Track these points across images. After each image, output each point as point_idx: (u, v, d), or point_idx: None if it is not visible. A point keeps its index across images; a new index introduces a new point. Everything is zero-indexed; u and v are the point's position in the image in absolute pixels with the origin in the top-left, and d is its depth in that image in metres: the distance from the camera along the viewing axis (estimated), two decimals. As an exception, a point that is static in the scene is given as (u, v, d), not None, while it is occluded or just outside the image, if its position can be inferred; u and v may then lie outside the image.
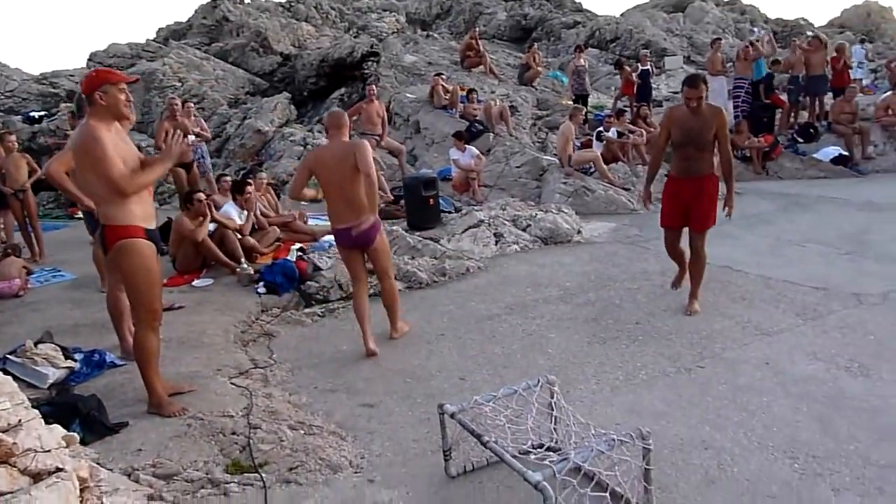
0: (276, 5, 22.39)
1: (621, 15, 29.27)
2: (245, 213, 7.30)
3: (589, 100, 14.66)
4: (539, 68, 16.17)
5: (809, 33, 14.42)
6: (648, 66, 14.53)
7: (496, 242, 7.54)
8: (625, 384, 4.02)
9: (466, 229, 7.67)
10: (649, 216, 8.86)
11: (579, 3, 29.10)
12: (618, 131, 10.74)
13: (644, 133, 10.92)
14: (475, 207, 8.71)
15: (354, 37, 18.47)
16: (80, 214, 7.53)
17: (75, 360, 4.35)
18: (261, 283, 6.23)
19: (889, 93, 12.33)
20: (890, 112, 11.80)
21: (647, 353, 4.46)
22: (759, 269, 6.09)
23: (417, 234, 7.64)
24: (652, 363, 4.28)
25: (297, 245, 7.35)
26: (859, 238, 7.06)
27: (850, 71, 13.69)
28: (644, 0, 32.82)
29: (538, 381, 3.17)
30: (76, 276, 7.04)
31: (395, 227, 7.70)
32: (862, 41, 21.43)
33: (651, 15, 27.82)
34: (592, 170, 10.11)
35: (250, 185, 7.50)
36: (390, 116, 12.85)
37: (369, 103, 10.70)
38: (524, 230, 7.85)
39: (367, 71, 14.75)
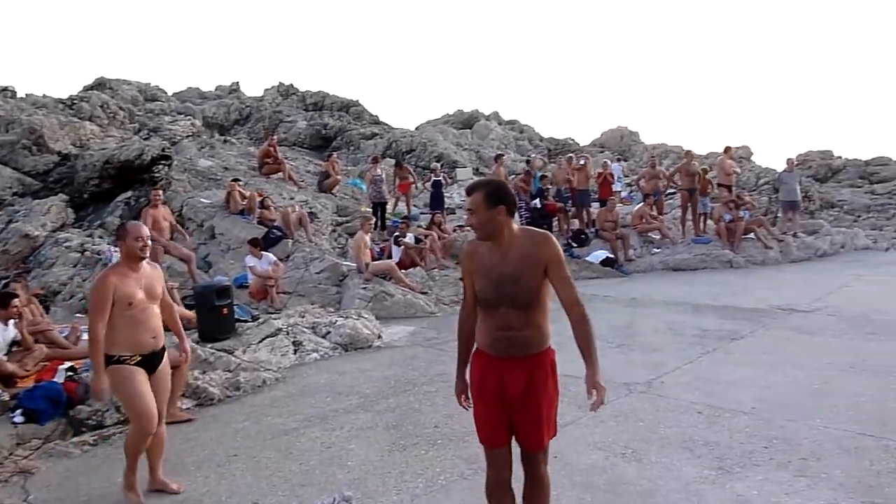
0: (55, 102, 20.85)
1: (416, 129, 31.33)
2: (8, 329, 6.38)
3: (387, 207, 15.22)
4: (338, 176, 16.58)
5: (571, 154, 16.46)
6: (441, 177, 15.55)
7: (295, 351, 7.32)
8: (425, 492, 3.99)
9: (263, 339, 7.38)
10: (446, 317, 9.25)
11: (376, 115, 30.69)
12: (415, 237, 11.22)
13: (437, 237, 11.53)
14: (273, 315, 8.45)
15: (145, 139, 17.65)
16: None
17: None
18: (17, 411, 5.40)
19: (641, 204, 14.34)
20: (643, 220, 13.68)
21: (447, 456, 4.49)
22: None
23: (210, 345, 7.18)
24: (451, 467, 4.31)
25: (67, 364, 6.53)
26: (626, 331, 7.90)
27: (612, 185, 15.79)
28: (436, 116, 35.55)
29: (334, 500, 3.04)
30: None
31: (184, 340, 7.17)
32: (618, 159, 24.91)
33: (443, 130, 30.07)
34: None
35: (16, 296, 6.62)
36: (182, 222, 12.28)
37: (154, 208, 10.17)
38: (324, 337, 7.74)
39: (157, 174, 14.06)
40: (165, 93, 30.05)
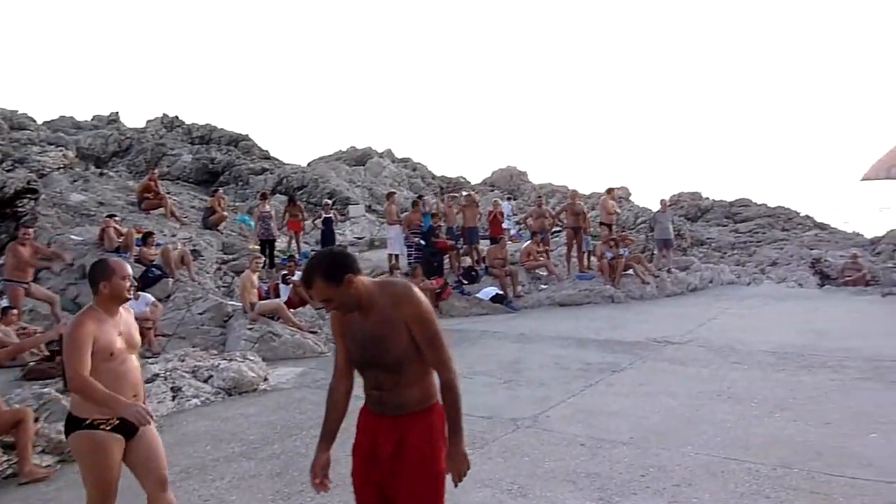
0: None
1: (308, 165, 30.99)
2: None
3: (276, 244, 14.87)
4: (224, 212, 16.06)
5: (464, 192, 16.85)
6: (331, 214, 15.43)
7: (173, 398, 6.92)
8: (308, 542, 3.84)
9: (138, 385, 6.92)
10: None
11: (267, 150, 30.14)
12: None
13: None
14: (150, 360, 7.97)
15: (8, 170, 16.37)
16: None
17: None
18: None
19: (529, 241, 14.82)
20: (531, 257, 14.13)
21: (333, 502, 4.36)
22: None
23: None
24: (336, 514, 4.19)
25: None
26: (515, 367, 8.06)
27: (502, 223, 16.24)
28: (328, 152, 35.35)
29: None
30: None
31: (46, 390, 6.60)
32: (508, 198, 25.68)
33: (335, 166, 29.93)
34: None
35: None
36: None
37: (21, 245, 9.41)
38: (206, 381, 7.37)
39: (21, 209, 13.04)
40: (34, 121, 28.11)
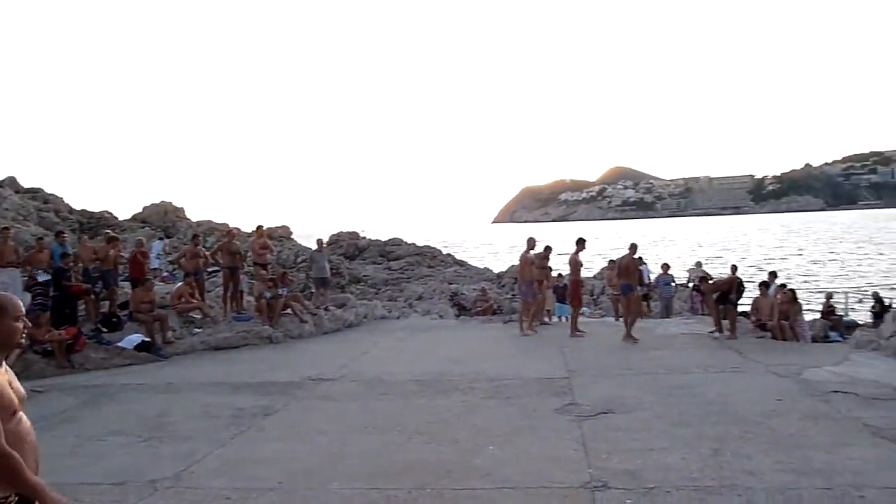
0: None
1: None
2: None
3: None
4: None
5: (108, 231, 15.21)
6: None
7: None
8: None
9: None
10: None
11: None
12: None
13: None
14: None
15: None
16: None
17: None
18: None
19: (181, 283, 13.89)
20: (182, 299, 13.24)
21: None
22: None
23: None
24: None
25: None
26: (157, 421, 7.36)
27: (149, 262, 14.92)
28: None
29: None
30: None
31: None
32: (161, 238, 23.86)
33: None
34: None
35: None
36: None
37: None
38: None
39: None
40: None
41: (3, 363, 2.78)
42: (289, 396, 8.26)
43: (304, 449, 6.11)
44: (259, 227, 15.62)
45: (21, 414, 2.77)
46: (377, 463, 5.64)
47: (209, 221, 30.40)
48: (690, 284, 18.73)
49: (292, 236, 30.44)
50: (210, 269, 16.49)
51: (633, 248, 12.86)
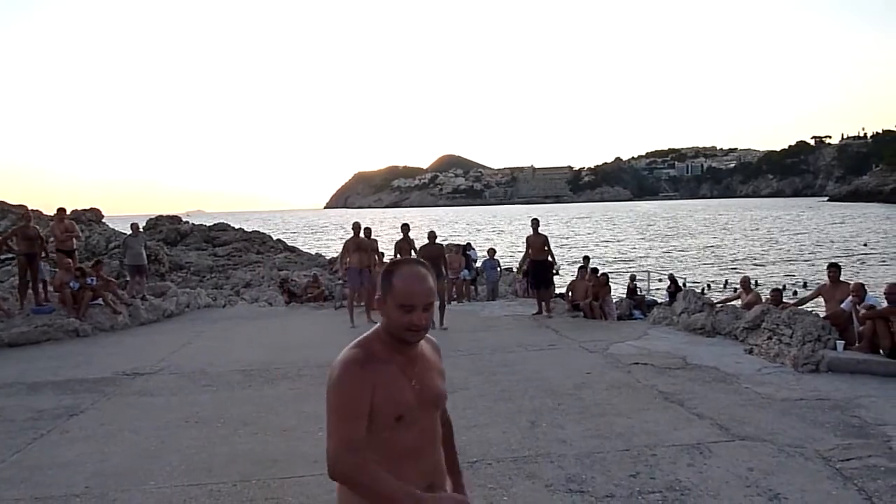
0: None
1: None
2: None
3: None
4: None
5: None
6: None
7: None
8: None
9: None
10: None
11: None
12: None
13: None
14: None
15: None
16: None
17: None
18: None
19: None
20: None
21: None
22: None
23: None
24: None
25: None
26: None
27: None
28: None
29: None
30: None
31: None
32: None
33: None
34: None
35: None
36: None
37: None
38: None
39: None
40: None
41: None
42: (98, 394, 7.60)
43: (115, 449, 5.66)
44: (60, 210, 14.10)
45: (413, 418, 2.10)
46: (199, 458, 5.38)
47: (4, 203, 26.91)
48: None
49: (104, 220, 27.89)
50: (2, 258, 14.68)
51: (406, 228, 12.74)
